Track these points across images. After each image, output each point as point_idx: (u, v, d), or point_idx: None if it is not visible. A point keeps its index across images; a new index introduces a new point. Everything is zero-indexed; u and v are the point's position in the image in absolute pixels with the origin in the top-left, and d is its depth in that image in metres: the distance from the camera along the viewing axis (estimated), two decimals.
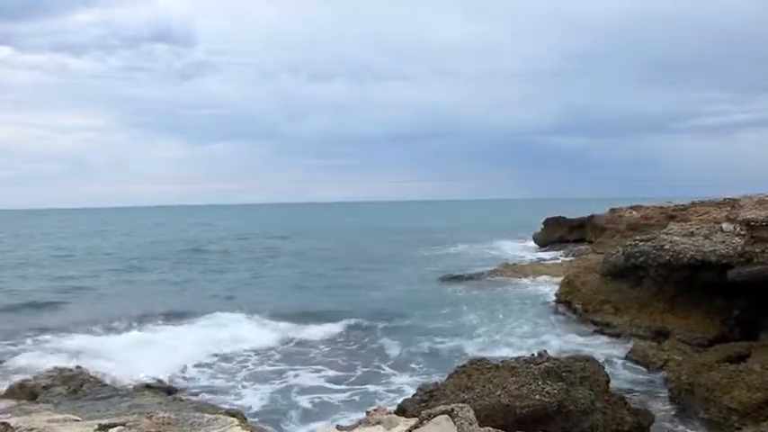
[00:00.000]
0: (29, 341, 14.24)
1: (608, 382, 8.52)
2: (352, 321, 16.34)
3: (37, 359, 12.21)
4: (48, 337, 14.62)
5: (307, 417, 9.81)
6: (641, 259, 14.44)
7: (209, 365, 12.69)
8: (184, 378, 11.86)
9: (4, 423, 4.21)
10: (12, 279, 26.96)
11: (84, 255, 39.70)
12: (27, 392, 10.29)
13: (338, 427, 4.56)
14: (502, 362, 8.52)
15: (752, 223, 12.30)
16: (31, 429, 4.00)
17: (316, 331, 15.39)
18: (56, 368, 11.86)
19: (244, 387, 11.38)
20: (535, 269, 24.67)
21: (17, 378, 11.03)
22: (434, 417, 4.78)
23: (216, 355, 13.31)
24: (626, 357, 12.42)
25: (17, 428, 4.12)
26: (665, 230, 15.19)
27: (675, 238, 13.91)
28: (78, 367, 11.38)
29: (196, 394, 10.82)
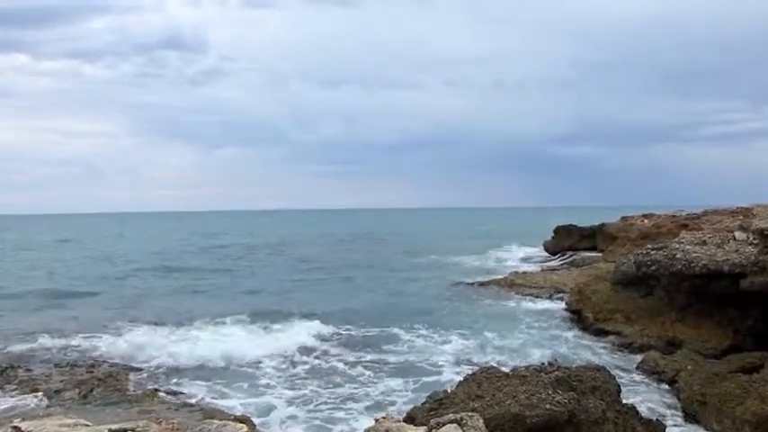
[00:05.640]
0: None
1: (619, 391, 8.44)
2: (357, 328, 16.36)
3: None
4: None
5: (316, 422, 9.81)
6: (653, 268, 14.32)
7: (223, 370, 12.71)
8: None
9: (15, 427, 4.24)
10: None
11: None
12: (39, 396, 10.36)
13: None
14: (512, 370, 8.47)
15: (765, 232, 12.19)
16: None
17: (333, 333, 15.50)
18: (68, 371, 11.97)
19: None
20: (545, 278, 24.56)
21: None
22: (443, 425, 4.77)
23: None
24: (637, 367, 12.31)
25: None
26: (676, 239, 15.07)
27: (687, 247, 13.79)
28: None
29: (205, 400, 10.82)
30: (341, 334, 15.88)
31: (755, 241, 12.51)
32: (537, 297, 21.07)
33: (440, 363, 13.08)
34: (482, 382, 8.16)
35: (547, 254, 37.38)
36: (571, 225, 37.21)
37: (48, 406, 9.91)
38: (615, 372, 9.92)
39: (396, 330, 16.23)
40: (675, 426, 9.23)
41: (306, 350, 14.18)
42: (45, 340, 14.73)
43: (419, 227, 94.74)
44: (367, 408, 10.29)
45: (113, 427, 4.54)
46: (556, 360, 8.87)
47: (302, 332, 15.69)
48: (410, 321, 17.25)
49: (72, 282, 27.94)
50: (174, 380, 11.97)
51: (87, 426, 4.71)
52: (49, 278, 29.61)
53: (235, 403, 10.68)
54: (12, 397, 10.41)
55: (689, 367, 11.30)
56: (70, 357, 13.35)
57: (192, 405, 10.23)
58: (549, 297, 20.84)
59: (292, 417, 10.05)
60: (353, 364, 13.06)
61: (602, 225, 32.86)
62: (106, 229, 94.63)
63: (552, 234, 38.02)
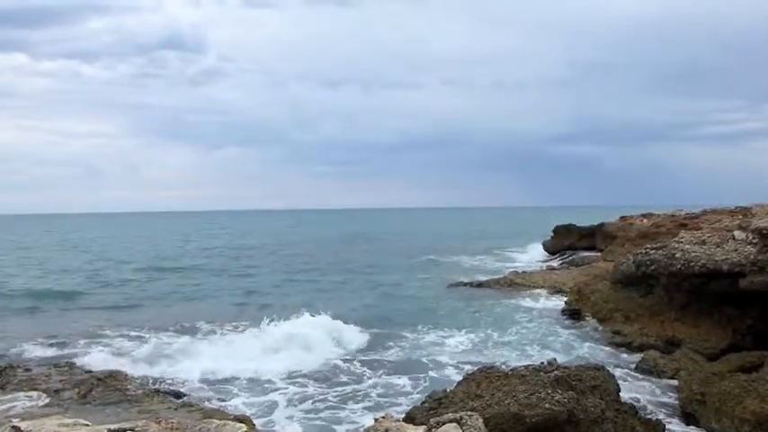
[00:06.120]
0: None
1: (618, 391, 8.45)
2: (358, 327, 16.35)
3: None
4: None
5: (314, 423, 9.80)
6: (652, 268, 14.34)
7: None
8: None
9: (15, 426, 4.24)
10: None
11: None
12: (38, 396, 10.35)
13: None
14: (511, 370, 8.48)
15: (764, 232, 12.21)
16: None
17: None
18: (67, 371, 11.97)
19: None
20: (545, 277, 24.56)
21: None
22: (443, 425, 4.78)
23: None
24: (636, 366, 12.32)
25: None
26: (676, 239, 15.08)
27: (686, 246, 13.80)
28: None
29: (205, 400, 10.81)
30: (341, 333, 15.84)
31: (755, 241, 12.52)
32: (536, 296, 21.07)
33: (440, 362, 13.08)
34: (481, 381, 8.17)
35: (546, 253, 37.40)
36: (570, 225, 37.28)
37: (47, 405, 9.90)
38: (614, 371, 9.93)
39: (396, 329, 16.23)
40: (674, 425, 9.23)
41: (306, 349, 14.16)
42: (43, 341, 14.74)
43: (418, 227, 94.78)
44: (368, 407, 10.29)
45: (113, 426, 4.55)
46: (555, 359, 8.87)
47: (302, 332, 15.68)
48: (410, 321, 17.26)
49: (70, 283, 27.88)
50: (174, 379, 11.96)
51: (87, 425, 4.71)
52: (48, 279, 29.56)
53: (235, 403, 10.69)
54: (11, 396, 10.39)
55: (689, 367, 11.31)
56: (69, 358, 13.34)
57: (191, 405, 10.21)
58: (549, 296, 20.85)
59: (293, 416, 10.05)
60: (354, 364, 13.06)
61: (602, 225, 32.91)
62: (106, 230, 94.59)
63: (551, 234, 38.07)
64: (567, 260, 32.16)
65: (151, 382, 11.73)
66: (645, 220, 27.39)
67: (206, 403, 10.46)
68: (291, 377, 12.19)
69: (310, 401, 10.73)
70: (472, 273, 29.08)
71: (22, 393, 10.52)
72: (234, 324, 17.08)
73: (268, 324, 15.91)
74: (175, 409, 9.72)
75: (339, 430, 9.43)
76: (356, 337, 15.49)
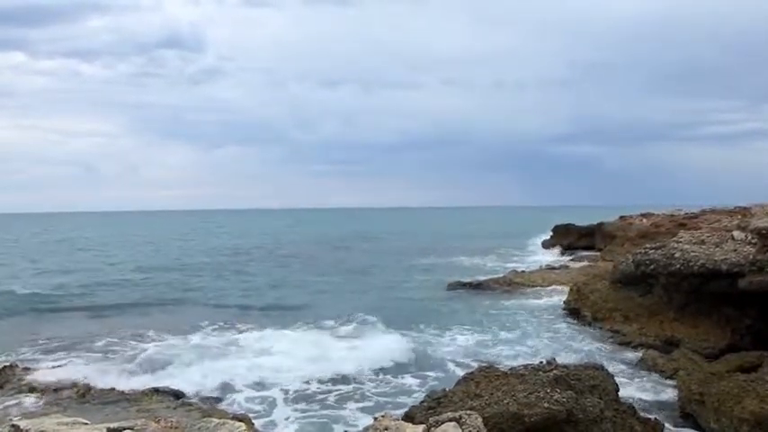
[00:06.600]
0: None
1: (617, 390, 8.45)
2: (358, 326, 16.36)
3: None
4: None
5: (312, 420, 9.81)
6: (651, 267, 14.34)
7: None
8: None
9: (14, 425, 4.25)
10: None
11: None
12: (37, 395, 10.36)
13: None
14: (510, 369, 8.49)
15: (763, 232, 12.22)
16: None
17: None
18: (66, 371, 11.96)
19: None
20: (544, 276, 24.57)
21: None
22: (442, 424, 4.79)
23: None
24: (635, 366, 12.33)
25: (27, 431, 4.16)
26: (675, 238, 15.10)
27: (686, 246, 13.81)
28: None
29: (204, 399, 10.81)
30: (341, 333, 15.85)
31: (754, 241, 12.53)
32: (535, 296, 21.08)
33: (440, 361, 13.10)
34: (480, 381, 8.17)
35: (546, 253, 37.44)
36: (570, 224, 37.42)
37: (46, 404, 9.91)
38: (613, 370, 9.93)
39: (396, 329, 16.19)
40: (673, 425, 9.24)
41: (306, 349, 14.17)
42: (42, 340, 14.75)
43: (418, 226, 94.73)
44: (368, 407, 10.29)
45: (112, 425, 4.55)
46: (554, 359, 8.88)
47: (302, 332, 15.70)
48: (410, 320, 17.24)
49: (69, 282, 27.83)
50: (173, 379, 11.95)
51: (85, 424, 4.72)
52: (46, 279, 29.52)
53: (234, 402, 10.69)
54: (10, 396, 10.40)
55: (687, 367, 11.32)
56: (67, 357, 13.35)
57: (190, 404, 10.22)
58: (548, 296, 20.86)
59: (293, 415, 10.06)
60: (355, 364, 13.05)
61: (601, 224, 33.00)
62: (105, 229, 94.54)
63: (551, 233, 38.15)
64: (566, 260, 32.20)
65: (149, 380, 11.72)
66: (644, 220, 27.47)
67: (205, 402, 10.46)
68: (291, 377, 12.17)
69: (310, 401, 10.73)
70: (472, 272, 29.07)
71: (21, 392, 10.53)
72: (232, 324, 17.10)
73: (269, 325, 15.92)
74: (174, 409, 9.72)
75: (338, 430, 9.44)
76: (356, 337, 15.49)
